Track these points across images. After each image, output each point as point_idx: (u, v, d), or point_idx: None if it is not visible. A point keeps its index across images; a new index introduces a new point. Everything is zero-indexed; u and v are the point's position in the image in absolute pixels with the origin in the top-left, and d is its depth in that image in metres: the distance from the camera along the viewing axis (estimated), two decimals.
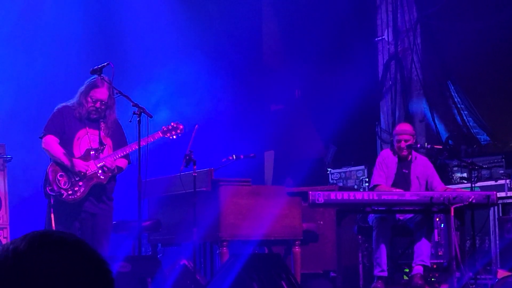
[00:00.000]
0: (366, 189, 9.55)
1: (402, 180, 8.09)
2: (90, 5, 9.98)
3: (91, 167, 6.66)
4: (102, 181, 6.70)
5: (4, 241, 7.62)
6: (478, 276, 7.69)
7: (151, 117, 6.55)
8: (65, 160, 6.61)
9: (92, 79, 6.70)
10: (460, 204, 7.30)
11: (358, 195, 7.45)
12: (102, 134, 6.77)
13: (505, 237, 8.30)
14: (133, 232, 6.79)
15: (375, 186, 8.05)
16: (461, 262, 7.24)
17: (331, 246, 8.63)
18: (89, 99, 6.70)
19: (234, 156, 7.92)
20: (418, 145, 8.43)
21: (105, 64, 6.63)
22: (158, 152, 8.03)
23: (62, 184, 6.59)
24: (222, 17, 11.40)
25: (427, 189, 8.04)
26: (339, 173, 10.52)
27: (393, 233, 7.94)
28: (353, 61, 11.02)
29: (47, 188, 6.57)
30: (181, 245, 7.91)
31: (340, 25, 11.24)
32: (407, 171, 8.14)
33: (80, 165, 6.62)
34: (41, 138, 6.76)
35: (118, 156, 6.77)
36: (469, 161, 8.72)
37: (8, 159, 7.96)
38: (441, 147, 9.06)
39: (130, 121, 6.66)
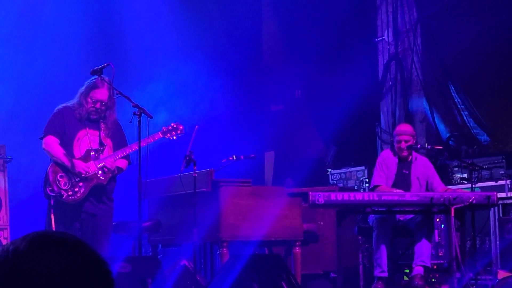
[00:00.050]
0: (366, 190, 9.55)
1: (402, 180, 8.09)
2: (90, 5, 9.98)
3: (91, 168, 6.65)
4: (102, 182, 6.70)
5: (4, 242, 7.62)
6: (479, 277, 7.69)
7: (151, 117, 6.55)
8: (65, 161, 6.61)
9: (92, 79, 6.70)
10: (461, 205, 7.29)
11: (358, 196, 7.45)
12: (102, 134, 6.77)
13: (505, 237, 8.30)
14: (133, 233, 6.79)
15: (375, 186, 8.05)
16: (462, 263, 7.23)
17: (331, 247, 8.63)
18: (89, 99, 6.69)
19: (234, 156, 7.92)
20: (418, 146, 8.44)
21: (105, 64, 6.63)
22: (158, 153, 8.03)
23: (62, 185, 6.58)
24: (222, 17, 11.40)
25: (427, 189, 8.04)
26: (339, 173, 10.52)
27: (394, 233, 7.94)
28: (353, 62, 11.02)
29: (47, 189, 6.57)
30: (181, 245, 7.90)
31: (340, 25, 11.24)
32: (407, 172, 8.14)
33: (80, 166, 6.62)
34: (41, 139, 6.76)
35: (118, 156, 6.76)
36: (469, 161, 8.72)
37: (8, 160, 7.97)
38: (441, 147, 9.05)
39: (130, 122, 6.66)
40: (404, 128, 8.37)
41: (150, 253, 8.10)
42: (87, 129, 6.75)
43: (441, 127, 10.87)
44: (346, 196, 7.36)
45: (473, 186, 8.43)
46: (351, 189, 9.93)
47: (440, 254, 8.64)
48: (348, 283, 8.05)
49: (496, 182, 8.75)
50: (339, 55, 11.22)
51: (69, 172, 6.62)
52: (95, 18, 10.00)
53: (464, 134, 10.57)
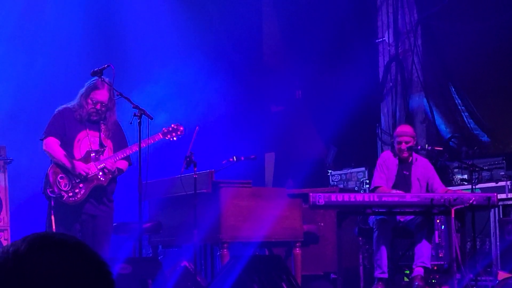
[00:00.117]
0: (367, 191, 9.55)
1: (402, 181, 8.09)
2: (90, 6, 9.97)
3: (92, 169, 6.66)
4: (102, 183, 6.70)
5: (4, 243, 7.62)
6: (479, 278, 7.69)
7: (151, 118, 6.55)
8: (66, 162, 6.61)
9: (93, 81, 6.70)
10: (461, 206, 7.29)
11: (359, 197, 7.45)
12: (103, 136, 6.77)
13: (505, 238, 8.29)
14: (134, 234, 6.79)
15: (376, 187, 8.05)
16: (462, 264, 7.23)
17: (332, 248, 8.62)
18: (89, 101, 6.70)
19: (234, 157, 7.92)
20: (419, 147, 8.44)
21: (106, 66, 6.63)
22: (159, 154, 8.03)
23: (62, 186, 6.59)
24: (222, 17, 11.40)
25: (427, 190, 8.04)
26: (340, 174, 10.52)
27: (394, 234, 7.94)
28: (354, 62, 11.02)
29: (48, 190, 6.57)
30: (181, 247, 7.90)
31: (341, 26, 11.24)
32: (407, 173, 8.14)
33: (81, 167, 6.62)
34: (42, 140, 6.76)
35: (118, 158, 6.77)
36: (469, 162, 8.71)
37: (8, 161, 7.97)
38: (441, 148, 9.05)
39: (131, 123, 6.65)
40: (405, 129, 8.37)
41: (151, 254, 8.10)
42: (88, 130, 6.75)
43: (442, 128, 10.87)
44: (346, 197, 7.37)
45: (474, 187, 8.43)
46: (352, 190, 9.93)
47: (440, 255, 8.63)
48: (348, 284, 8.05)
49: (497, 183, 8.75)
50: (339, 55, 11.22)
51: (69, 173, 6.62)
52: (95, 19, 10.00)
53: (465, 135, 10.56)
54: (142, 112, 6.53)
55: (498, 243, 8.41)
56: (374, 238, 7.75)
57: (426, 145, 9.16)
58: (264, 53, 12.37)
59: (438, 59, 11.02)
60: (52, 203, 6.54)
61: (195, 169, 7.01)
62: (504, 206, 8.51)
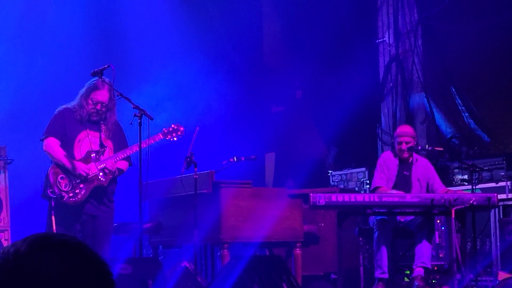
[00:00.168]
0: (367, 191, 9.55)
1: (403, 182, 8.09)
2: (91, 6, 9.98)
3: (92, 170, 6.66)
4: (103, 183, 6.70)
5: (5, 244, 7.62)
6: (479, 278, 7.69)
7: (152, 119, 6.55)
8: (66, 163, 6.61)
9: (93, 81, 6.70)
10: (461, 206, 7.29)
11: (359, 197, 7.45)
12: (103, 136, 6.77)
13: (506, 239, 8.29)
14: (134, 234, 6.79)
15: (376, 188, 8.05)
16: (462, 264, 7.23)
17: (332, 248, 8.62)
18: (89, 101, 6.69)
19: (235, 158, 7.92)
20: (419, 147, 8.43)
21: (106, 66, 6.63)
22: (159, 154, 8.03)
23: (63, 187, 6.59)
24: (222, 17, 11.40)
25: (428, 191, 8.04)
26: (340, 175, 10.52)
27: (394, 235, 7.94)
28: (354, 63, 11.03)
29: (48, 191, 6.57)
30: (182, 247, 7.90)
31: (341, 26, 11.24)
32: (408, 173, 8.14)
33: (81, 167, 6.62)
34: (42, 140, 6.76)
35: (119, 158, 6.76)
36: (470, 163, 8.71)
37: (9, 161, 7.97)
38: (442, 149, 9.04)
39: (131, 123, 6.65)
40: (405, 129, 8.37)
41: (151, 255, 8.10)
42: (88, 130, 6.75)
43: (442, 128, 10.86)
44: (347, 198, 7.37)
45: (474, 187, 8.43)
46: (352, 191, 9.93)
47: (440, 256, 8.63)
48: (348, 285, 8.05)
49: (497, 183, 8.75)
50: (340, 56, 11.22)
51: (70, 173, 6.62)
52: (95, 19, 10.00)
53: (465, 135, 10.56)
54: (142, 112, 6.53)
55: (498, 244, 8.41)
56: (375, 239, 7.75)
57: (427, 146, 9.16)
58: (264, 53, 12.37)
59: (439, 59, 11.02)
60: (53, 203, 6.54)
61: (196, 169, 7.01)
62: (504, 206, 8.51)
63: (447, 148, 9.90)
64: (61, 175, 6.60)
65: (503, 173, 8.93)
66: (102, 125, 6.76)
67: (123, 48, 10.05)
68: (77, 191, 6.61)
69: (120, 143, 6.87)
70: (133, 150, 6.77)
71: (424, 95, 10.99)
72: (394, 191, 7.81)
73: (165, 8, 10.63)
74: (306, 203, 7.44)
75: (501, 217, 8.49)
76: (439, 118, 10.88)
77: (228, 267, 6.46)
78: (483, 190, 8.51)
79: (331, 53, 11.10)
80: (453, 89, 10.80)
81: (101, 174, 6.68)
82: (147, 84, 9.88)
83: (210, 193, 7.25)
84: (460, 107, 10.71)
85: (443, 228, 8.62)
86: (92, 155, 6.72)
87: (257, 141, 10.37)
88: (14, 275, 1.33)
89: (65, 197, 6.57)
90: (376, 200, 7.38)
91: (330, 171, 10.72)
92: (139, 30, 10.40)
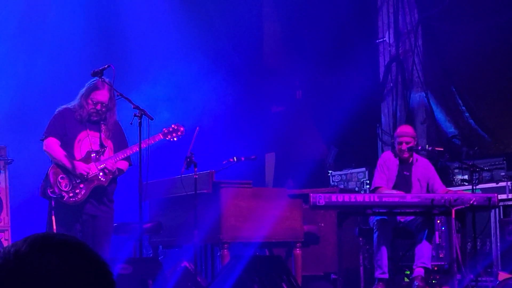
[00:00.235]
0: (367, 191, 9.55)
1: (403, 182, 8.09)
2: (91, 7, 9.98)
3: (92, 170, 6.66)
4: (103, 183, 6.70)
5: (5, 244, 7.62)
6: (479, 278, 7.69)
7: (152, 119, 6.55)
8: (66, 163, 6.61)
9: (93, 81, 6.70)
10: (461, 206, 7.29)
11: (359, 197, 7.45)
12: (103, 136, 6.77)
13: (506, 239, 8.29)
14: (134, 234, 6.79)
15: (376, 188, 8.05)
16: (462, 264, 7.23)
17: (332, 248, 8.62)
18: (89, 101, 6.69)
19: (235, 158, 7.92)
20: (419, 147, 8.43)
21: (106, 66, 6.63)
22: (159, 154, 8.03)
23: (63, 187, 6.59)
24: (223, 17, 11.40)
25: (428, 191, 8.04)
26: (340, 175, 10.52)
27: (394, 235, 7.93)
28: (354, 63, 11.02)
29: (48, 191, 6.57)
30: (182, 247, 7.90)
31: (341, 26, 11.23)
32: (408, 173, 8.14)
33: (81, 167, 6.62)
34: (42, 140, 6.76)
35: (119, 158, 6.76)
36: (470, 163, 8.71)
37: (9, 161, 7.96)
38: (442, 149, 9.04)
39: (131, 123, 6.66)
40: (405, 129, 8.37)
41: (151, 255, 8.10)
42: (88, 130, 6.75)
43: (443, 128, 10.85)
44: (347, 198, 7.37)
45: (474, 187, 8.42)
46: (352, 191, 9.92)
47: (440, 256, 8.63)
48: (348, 285, 8.05)
49: (497, 183, 8.74)
50: (340, 56, 11.22)
51: (70, 173, 6.62)
52: (95, 19, 10.00)
53: (465, 135, 10.56)
54: (142, 112, 6.53)
55: (498, 244, 8.41)
56: (375, 239, 7.75)
57: (427, 146, 9.16)
58: (265, 53, 12.37)
59: (439, 59, 11.02)
60: (53, 203, 6.54)
61: (196, 169, 7.01)
62: (505, 206, 8.51)
63: (447, 148, 9.90)
64: (61, 175, 6.60)
65: (503, 173, 8.93)
66: (102, 125, 6.76)
67: (123, 48, 10.05)
68: (77, 191, 6.61)
69: (120, 143, 6.87)
70: (133, 150, 6.77)
71: (424, 95, 10.99)
72: (394, 191, 7.81)
73: (165, 8, 10.63)
74: (306, 203, 7.44)
75: (502, 217, 8.49)
76: (439, 118, 10.88)
77: (228, 267, 6.46)
78: (484, 190, 8.51)
79: (331, 53, 11.09)
80: (454, 89, 10.80)
81: (101, 174, 6.68)
82: (147, 84, 9.88)
83: (210, 193, 7.26)
84: (460, 107, 10.71)
85: (443, 228, 8.62)
86: (92, 155, 6.72)
87: (257, 141, 10.37)
88: (14, 275, 1.32)
89: (65, 197, 6.57)
90: (376, 200, 7.38)
91: (330, 171, 10.72)
92: (139, 30, 10.40)
